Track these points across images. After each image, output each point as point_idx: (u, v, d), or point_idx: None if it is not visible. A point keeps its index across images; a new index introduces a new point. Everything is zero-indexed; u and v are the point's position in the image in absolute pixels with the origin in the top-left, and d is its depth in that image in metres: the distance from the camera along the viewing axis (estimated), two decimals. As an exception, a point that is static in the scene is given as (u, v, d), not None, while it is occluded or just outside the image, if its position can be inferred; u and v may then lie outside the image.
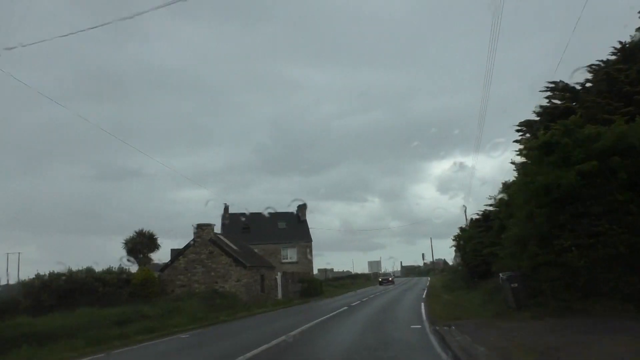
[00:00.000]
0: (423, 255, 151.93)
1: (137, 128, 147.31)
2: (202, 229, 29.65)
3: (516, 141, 23.27)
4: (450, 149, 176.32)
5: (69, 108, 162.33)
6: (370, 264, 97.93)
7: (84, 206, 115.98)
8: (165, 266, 29.98)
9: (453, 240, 41.31)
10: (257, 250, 50.24)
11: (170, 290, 28.20)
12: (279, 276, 39.64)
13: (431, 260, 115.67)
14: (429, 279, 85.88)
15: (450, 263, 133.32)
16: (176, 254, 31.15)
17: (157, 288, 26.50)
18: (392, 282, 71.22)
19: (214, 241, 29.69)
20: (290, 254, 51.05)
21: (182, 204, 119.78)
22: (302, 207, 54.45)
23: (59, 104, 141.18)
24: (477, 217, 33.99)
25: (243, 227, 51.47)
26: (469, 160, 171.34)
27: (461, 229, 41.76)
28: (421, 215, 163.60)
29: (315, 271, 55.26)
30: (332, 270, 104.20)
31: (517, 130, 23.67)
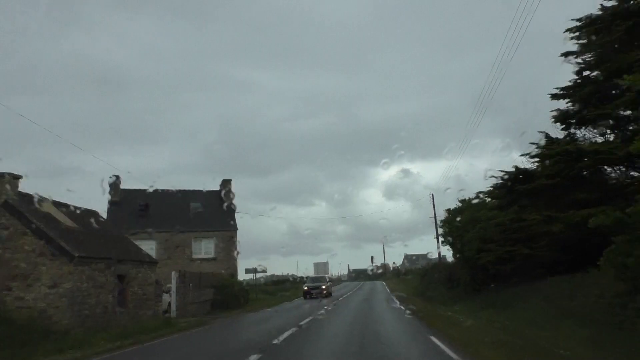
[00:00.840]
0: (372, 258, 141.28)
1: (78, 124, 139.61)
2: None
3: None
4: (396, 156, 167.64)
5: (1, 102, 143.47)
6: (317, 265, 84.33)
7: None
8: None
9: (442, 226, 28.01)
10: (158, 242, 35.37)
11: None
12: (174, 278, 25.14)
13: (382, 262, 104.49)
14: (384, 283, 73.39)
15: (399, 266, 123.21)
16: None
17: None
18: (326, 294, 36.93)
19: (11, 206, 14.87)
20: (206, 248, 36.42)
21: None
22: (227, 187, 39.96)
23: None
24: (492, 185, 20.90)
25: (140, 208, 36.46)
26: (414, 167, 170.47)
27: (450, 211, 28.88)
28: (368, 220, 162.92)
29: (244, 273, 41.00)
30: (264, 271, 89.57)
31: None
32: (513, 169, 19.28)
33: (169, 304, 24.92)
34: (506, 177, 19.52)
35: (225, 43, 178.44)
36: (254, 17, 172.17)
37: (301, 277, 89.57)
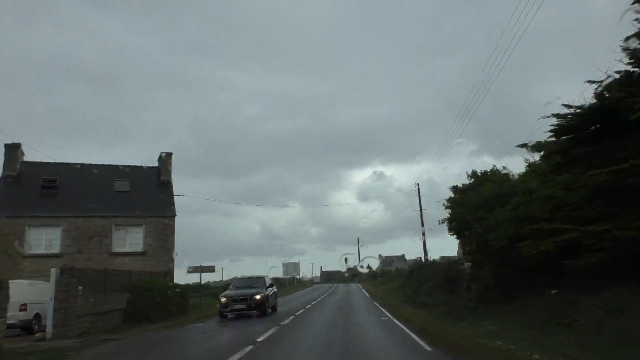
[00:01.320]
0: (346, 259, 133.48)
1: (44, 120, 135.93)
2: None
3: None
4: (370, 158, 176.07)
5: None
6: (286, 265, 75.84)
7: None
8: None
9: (449, 208, 19.96)
10: (64, 229, 26.48)
11: None
12: (53, 278, 16.48)
13: (358, 264, 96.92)
14: (360, 286, 65.74)
15: (374, 268, 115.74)
16: None
17: None
18: (261, 308, 19.60)
19: None
20: (132, 239, 27.61)
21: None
22: (165, 162, 31.29)
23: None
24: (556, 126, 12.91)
25: (44, 184, 27.47)
26: (388, 170, 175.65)
27: (458, 189, 20.98)
28: (341, 222, 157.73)
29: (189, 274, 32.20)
30: (212, 271, 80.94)
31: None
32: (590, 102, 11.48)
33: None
34: (579, 114, 11.66)
35: (199, 42, 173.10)
36: (228, 17, 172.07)
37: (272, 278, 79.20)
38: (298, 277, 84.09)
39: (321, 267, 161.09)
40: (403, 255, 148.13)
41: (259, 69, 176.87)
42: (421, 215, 44.74)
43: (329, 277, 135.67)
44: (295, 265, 77.74)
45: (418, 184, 46.20)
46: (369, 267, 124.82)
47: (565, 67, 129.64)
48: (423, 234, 43.90)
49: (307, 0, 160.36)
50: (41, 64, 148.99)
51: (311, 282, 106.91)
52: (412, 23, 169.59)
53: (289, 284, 74.21)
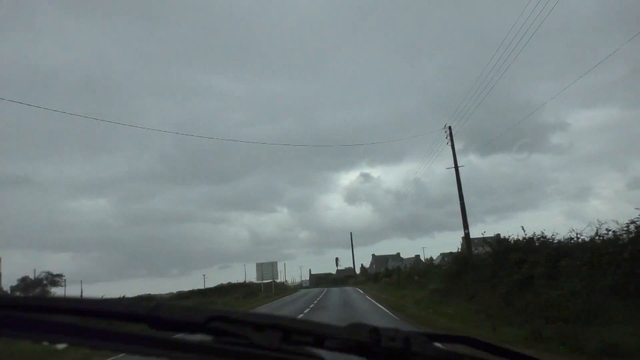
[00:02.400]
0: (337, 260, 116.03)
1: (24, 129, 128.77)
2: None
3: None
4: (356, 160, 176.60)
5: None
6: (261, 268, 57.63)
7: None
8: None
9: None
10: None
11: None
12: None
13: (351, 265, 79.72)
14: (359, 290, 48.19)
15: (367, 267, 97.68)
16: None
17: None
18: None
19: None
20: None
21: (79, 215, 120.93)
22: None
23: None
24: None
25: None
26: (375, 172, 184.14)
27: None
28: (330, 225, 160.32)
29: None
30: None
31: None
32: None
33: None
34: None
35: (181, 48, 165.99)
36: (210, 21, 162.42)
37: (251, 282, 62.55)
38: (277, 280, 65.43)
39: (310, 269, 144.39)
40: (398, 253, 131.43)
41: (241, 74, 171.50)
42: (457, 171, 27.42)
43: (318, 280, 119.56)
44: (273, 267, 59.38)
45: (450, 127, 28.74)
46: (361, 266, 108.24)
47: (546, 66, 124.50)
48: (465, 224, 27.55)
49: (289, 4, 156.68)
50: (18, 74, 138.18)
51: (298, 286, 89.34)
52: (395, 24, 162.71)
53: (265, 290, 55.94)
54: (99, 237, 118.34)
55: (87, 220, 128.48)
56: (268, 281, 58.62)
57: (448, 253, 52.51)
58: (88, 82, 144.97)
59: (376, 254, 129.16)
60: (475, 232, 29.45)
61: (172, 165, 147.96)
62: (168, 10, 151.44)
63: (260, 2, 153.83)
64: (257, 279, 58.02)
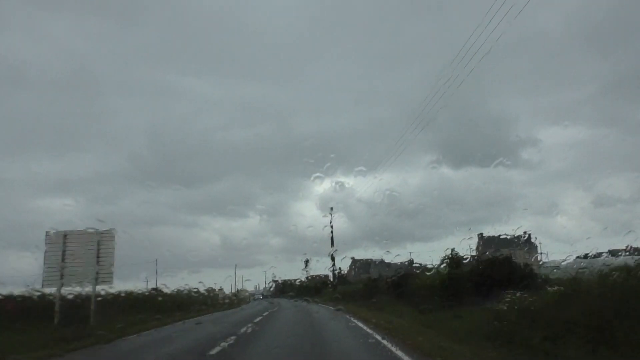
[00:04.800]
0: (307, 262, 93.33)
1: None
2: None
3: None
4: (331, 168, 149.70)
5: None
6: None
7: None
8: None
9: None
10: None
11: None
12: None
13: (330, 267, 57.40)
14: (351, 321, 24.73)
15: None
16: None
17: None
18: None
19: None
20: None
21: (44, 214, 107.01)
22: None
23: None
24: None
25: None
26: (348, 180, 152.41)
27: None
28: (302, 232, 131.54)
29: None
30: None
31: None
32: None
33: None
34: None
35: (154, 47, 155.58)
36: (185, 22, 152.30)
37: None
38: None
39: (273, 274, 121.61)
40: (383, 260, 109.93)
41: (215, 77, 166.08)
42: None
43: (282, 288, 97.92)
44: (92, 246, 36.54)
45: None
46: (339, 272, 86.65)
47: (518, 80, 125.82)
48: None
49: (266, 7, 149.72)
50: None
51: (248, 297, 66.46)
52: (372, 32, 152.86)
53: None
54: None
55: (53, 220, 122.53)
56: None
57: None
58: (58, 79, 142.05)
59: (358, 257, 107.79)
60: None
61: (143, 166, 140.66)
62: (142, 9, 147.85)
63: (238, 4, 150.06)
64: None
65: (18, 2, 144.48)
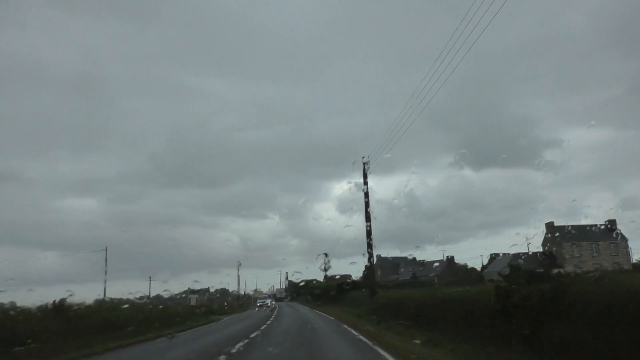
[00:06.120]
0: (325, 258, 77.60)
1: (11, 127, 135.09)
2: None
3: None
4: (349, 170, 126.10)
5: None
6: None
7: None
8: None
9: None
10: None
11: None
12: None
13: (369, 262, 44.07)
14: None
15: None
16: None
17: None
18: None
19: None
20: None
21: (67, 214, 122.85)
22: None
23: None
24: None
25: None
26: (369, 181, 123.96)
27: None
28: (322, 234, 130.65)
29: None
30: None
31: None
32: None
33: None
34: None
35: (173, 48, 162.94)
36: (204, 23, 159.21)
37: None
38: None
39: (287, 273, 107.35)
40: (414, 257, 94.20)
41: (234, 78, 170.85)
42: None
43: (294, 289, 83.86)
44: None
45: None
46: (370, 269, 70.30)
47: (541, 81, 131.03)
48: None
49: (285, 7, 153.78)
50: (5, 68, 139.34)
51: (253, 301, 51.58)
52: (392, 33, 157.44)
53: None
54: (87, 237, 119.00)
55: (75, 220, 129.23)
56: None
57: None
58: (78, 79, 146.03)
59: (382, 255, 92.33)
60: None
61: (162, 166, 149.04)
62: (161, 9, 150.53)
63: (257, 5, 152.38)
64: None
65: (38, 4, 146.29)
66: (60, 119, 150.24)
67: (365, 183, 29.67)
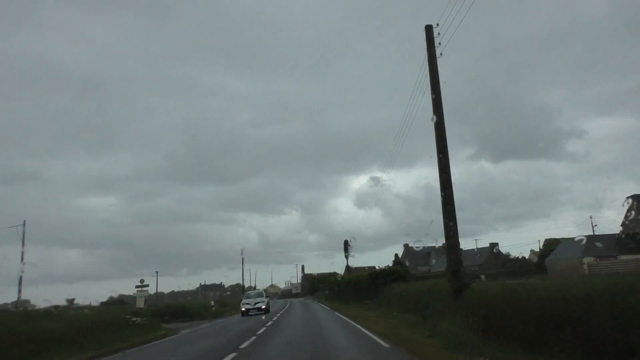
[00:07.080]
0: (347, 244, 64.18)
1: (30, 127, 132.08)
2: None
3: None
4: (366, 164, 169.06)
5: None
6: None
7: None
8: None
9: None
10: None
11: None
12: None
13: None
14: None
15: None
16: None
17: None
18: None
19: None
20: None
21: (86, 212, 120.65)
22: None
23: None
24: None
25: None
26: (384, 176, 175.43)
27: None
28: (339, 228, 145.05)
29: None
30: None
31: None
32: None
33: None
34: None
35: (189, 46, 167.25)
36: (219, 20, 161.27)
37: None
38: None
39: (303, 266, 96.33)
40: (443, 244, 79.84)
41: (249, 74, 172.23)
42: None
43: (311, 284, 72.16)
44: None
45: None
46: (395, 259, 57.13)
47: (561, 71, 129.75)
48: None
49: (300, 3, 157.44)
50: (25, 68, 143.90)
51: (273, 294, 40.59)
52: (406, 26, 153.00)
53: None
54: (107, 234, 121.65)
55: (95, 217, 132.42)
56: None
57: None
58: (95, 78, 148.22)
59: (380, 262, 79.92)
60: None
61: (179, 164, 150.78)
62: (177, 7, 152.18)
63: (271, 2, 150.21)
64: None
65: (56, 4, 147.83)
66: (78, 118, 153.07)
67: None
